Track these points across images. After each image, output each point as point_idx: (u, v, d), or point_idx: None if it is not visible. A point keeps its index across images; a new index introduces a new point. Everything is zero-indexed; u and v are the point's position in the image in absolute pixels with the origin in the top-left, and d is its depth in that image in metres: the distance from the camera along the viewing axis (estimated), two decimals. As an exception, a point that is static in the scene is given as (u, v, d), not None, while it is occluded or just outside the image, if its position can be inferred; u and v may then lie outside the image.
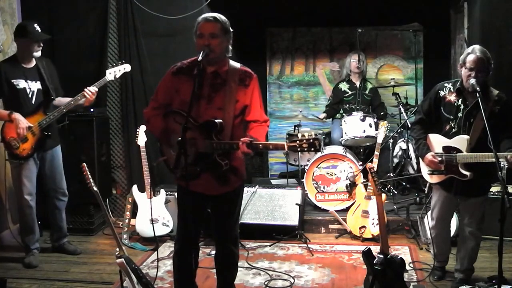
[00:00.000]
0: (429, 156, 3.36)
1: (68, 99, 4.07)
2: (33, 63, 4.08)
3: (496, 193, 4.24)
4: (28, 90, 4.00)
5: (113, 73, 4.17)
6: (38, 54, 4.03)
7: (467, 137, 3.25)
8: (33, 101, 4.02)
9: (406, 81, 6.22)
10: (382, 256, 3.04)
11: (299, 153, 5.34)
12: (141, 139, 4.55)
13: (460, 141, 3.27)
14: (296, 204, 4.69)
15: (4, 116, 3.91)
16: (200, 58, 2.63)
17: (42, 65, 4.11)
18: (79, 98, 4.02)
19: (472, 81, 3.15)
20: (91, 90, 4.01)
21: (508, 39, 4.63)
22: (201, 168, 2.72)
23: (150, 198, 4.56)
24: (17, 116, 3.88)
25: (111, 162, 5.32)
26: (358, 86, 5.75)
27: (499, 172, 2.81)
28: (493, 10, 4.73)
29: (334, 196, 5.08)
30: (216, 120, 2.69)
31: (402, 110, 5.41)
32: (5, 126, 3.95)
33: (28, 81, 4.01)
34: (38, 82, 4.07)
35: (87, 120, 4.81)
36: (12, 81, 3.95)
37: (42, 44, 4.03)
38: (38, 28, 3.99)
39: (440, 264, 3.71)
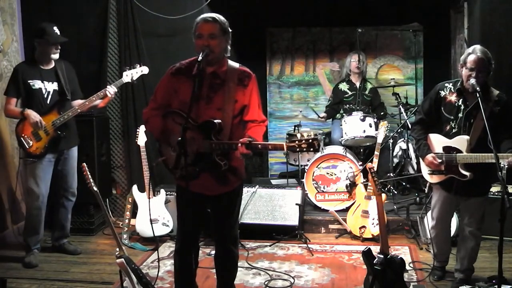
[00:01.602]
0: (429, 157, 3.36)
1: (83, 101, 4.11)
2: (52, 64, 4.12)
3: (496, 193, 4.24)
4: (43, 91, 4.04)
5: (130, 75, 4.21)
6: (55, 56, 4.07)
7: (467, 137, 3.25)
8: (48, 101, 4.06)
9: (406, 81, 6.22)
10: (382, 256, 3.04)
11: (299, 153, 5.34)
12: (141, 139, 4.55)
13: (460, 141, 3.27)
14: (296, 204, 4.69)
15: (17, 114, 3.97)
16: (200, 58, 2.63)
17: (61, 67, 4.15)
18: (93, 99, 4.06)
19: (472, 81, 3.15)
20: (111, 90, 4.08)
21: (508, 39, 4.63)
22: (201, 168, 2.72)
23: (149, 198, 4.55)
24: (29, 111, 3.92)
25: (111, 162, 5.32)
26: (358, 86, 5.75)
27: (499, 172, 2.81)
28: (493, 10, 4.73)
29: (334, 196, 5.07)
30: (215, 120, 2.69)
31: (402, 110, 5.41)
32: (19, 124, 4.00)
33: (44, 81, 4.05)
34: (55, 83, 4.10)
35: (87, 120, 4.81)
36: (29, 81, 3.99)
37: (60, 47, 4.06)
38: (57, 31, 4.02)
39: (440, 264, 3.71)
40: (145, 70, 4.29)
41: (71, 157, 4.25)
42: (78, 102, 4.15)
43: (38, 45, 4.02)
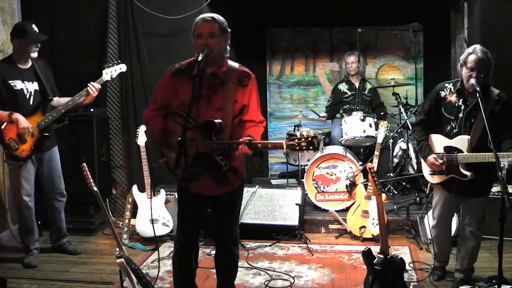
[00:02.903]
0: (431, 158, 3.36)
1: (66, 99, 4.06)
2: (29, 63, 4.07)
3: (496, 193, 4.24)
4: (25, 91, 3.99)
5: (110, 73, 4.15)
6: (35, 55, 4.02)
7: (468, 137, 3.25)
8: (31, 102, 4.01)
9: (406, 81, 6.23)
10: (382, 256, 3.04)
11: (299, 152, 5.34)
12: (141, 139, 4.55)
13: (461, 141, 3.27)
14: (296, 204, 4.69)
15: (4, 117, 3.88)
16: (200, 58, 2.63)
17: (38, 65, 4.10)
18: (77, 98, 4.01)
19: (472, 81, 3.16)
20: (95, 86, 4.01)
21: (508, 39, 4.63)
22: (201, 168, 2.72)
23: (150, 198, 4.55)
24: (18, 116, 3.86)
25: (111, 162, 5.31)
26: (357, 86, 5.76)
27: (499, 172, 2.81)
28: (493, 10, 4.73)
29: (334, 196, 5.07)
30: (216, 120, 2.69)
31: (402, 110, 5.41)
32: (4, 127, 3.91)
33: (25, 82, 4.00)
34: (35, 83, 4.06)
35: (87, 120, 4.81)
36: (9, 82, 3.93)
37: (39, 45, 4.03)
38: (36, 29, 3.98)
39: (440, 264, 3.71)
40: (123, 67, 4.24)
41: (54, 158, 4.21)
42: (60, 101, 4.10)
43: (18, 44, 3.94)
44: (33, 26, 3.98)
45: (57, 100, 4.13)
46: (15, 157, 3.95)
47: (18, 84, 3.96)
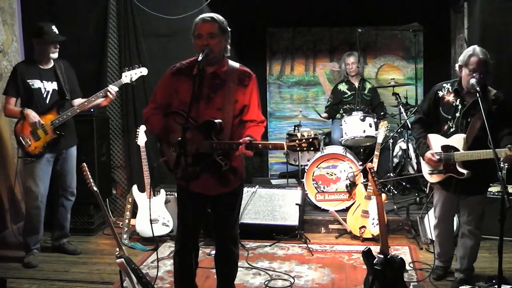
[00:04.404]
0: (428, 154, 3.40)
1: (83, 100, 4.10)
2: (51, 64, 4.12)
3: (496, 193, 4.24)
4: (43, 90, 4.04)
5: (129, 76, 4.18)
6: (54, 55, 4.07)
7: (464, 135, 3.28)
8: (47, 101, 4.06)
9: (406, 81, 6.23)
10: (382, 256, 3.04)
11: (299, 152, 5.34)
12: (141, 139, 4.55)
13: (457, 140, 3.30)
14: (296, 204, 4.69)
15: (17, 113, 3.97)
16: (200, 58, 2.63)
17: (60, 66, 4.15)
18: (93, 99, 4.06)
19: (473, 81, 3.18)
20: (113, 89, 4.07)
21: (508, 39, 4.63)
22: (201, 168, 2.72)
23: (150, 198, 4.55)
24: (28, 111, 3.92)
25: (111, 162, 5.32)
26: (357, 86, 5.76)
27: (499, 172, 2.82)
28: (493, 10, 4.73)
29: (334, 196, 5.08)
30: (216, 120, 2.69)
31: (402, 110, 5.41)
32: (18, 123, 4.00)
33: (43, 81, 4.05)
34: (54, 83, 4.10)
35: (87, 120, 4.81)
36: (28, 81, 3.99)
37: (58, 46, 4.06)
38: (55, 30, 4.02)
39: (443, 264, 3.70)
40: (144, 71, 4.26)
41: (70, 156, 4.25)
42: (78, 102, 4.16)
43: (37, 44, 4.01)
44: (53, 27, 4.02)
45: (79, 101, 4.16)
46: (28, 154, 4.01)
47: (36, 83, 4.01)
